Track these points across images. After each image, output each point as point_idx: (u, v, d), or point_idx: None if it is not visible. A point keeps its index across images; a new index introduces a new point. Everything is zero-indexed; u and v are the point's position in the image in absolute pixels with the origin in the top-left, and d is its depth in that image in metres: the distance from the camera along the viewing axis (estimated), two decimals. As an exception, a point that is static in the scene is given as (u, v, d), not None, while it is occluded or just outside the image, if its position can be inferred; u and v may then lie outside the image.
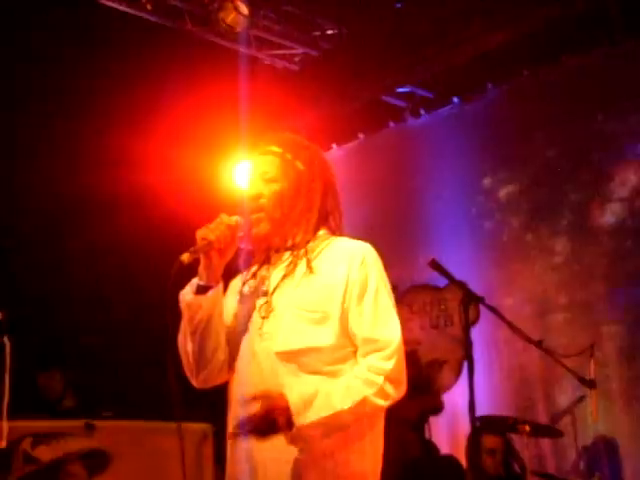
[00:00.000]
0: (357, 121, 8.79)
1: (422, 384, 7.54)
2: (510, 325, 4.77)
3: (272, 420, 2.64)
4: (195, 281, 2.92)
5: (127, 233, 7.46)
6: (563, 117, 7.31)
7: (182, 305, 2.93)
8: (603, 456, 6.60)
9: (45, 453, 4.79)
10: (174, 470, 4.82)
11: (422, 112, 8.57)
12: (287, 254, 2.99)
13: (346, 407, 2.70)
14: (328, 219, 3.04)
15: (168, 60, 7.56)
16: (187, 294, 2.91)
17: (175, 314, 2.93)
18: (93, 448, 4.87)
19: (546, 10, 6.73)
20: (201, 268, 2.88)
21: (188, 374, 3.04)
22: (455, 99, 8.29)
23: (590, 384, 5.20)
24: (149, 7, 7.48)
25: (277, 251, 3.02)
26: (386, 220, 8.53)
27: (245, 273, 3.07)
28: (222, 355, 2.98)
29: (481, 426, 5.89)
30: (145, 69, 7.53)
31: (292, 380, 2.76)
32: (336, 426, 2.73)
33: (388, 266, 8.45)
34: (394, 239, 8.38)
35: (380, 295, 2.90)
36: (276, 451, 2.76)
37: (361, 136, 9.02)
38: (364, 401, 2.73)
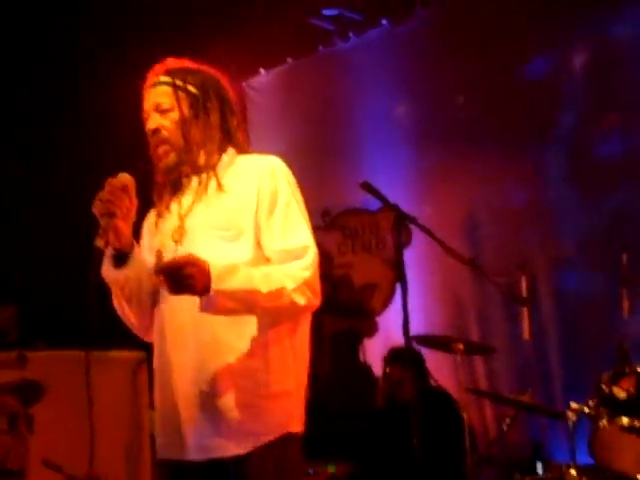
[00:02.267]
0: (285, 45, 8.66)
1: (355, 307, 7.61)
2: (442, 244, 4.80)
3: (190, 277, 2.60)
4: (110, 253, 2.88)
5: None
6: (492, 37, 7.26)
7: (108, 282, 2.92)
8: (535, 372, 6.73)
9: (-23, 386, 4.74)
10: (107, 399, 4.83)
11: (351, 35, 8.48)
12: (196, 178, 2.97)
13: (264, 290, 2.70)
14: (232, 137, 3.04)
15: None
16: (109, 271, 2.90)
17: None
18: (26, 379, 4.82)
19: None
20: (112, 240, 2.83)
21: (139, 334, 3.09)
22: (384, 21, 8.20)
23: (523, 301, 5.28)
24: None
25: (186, 177, 3.00)
26: (317, 144, 8.49)
27: (158, 206, 3.06)
28: None
29: (387, 359, 6.03)
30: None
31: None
32: (251, 303, 2.71)
33: (320, 190, 8.51)
34: (325, 163, 8.38)
35: (291, 207, 2.91)
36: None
37: (290, 60, 8.91)
38: (282, 291, 2.73)
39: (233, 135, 3.04)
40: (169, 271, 2.61)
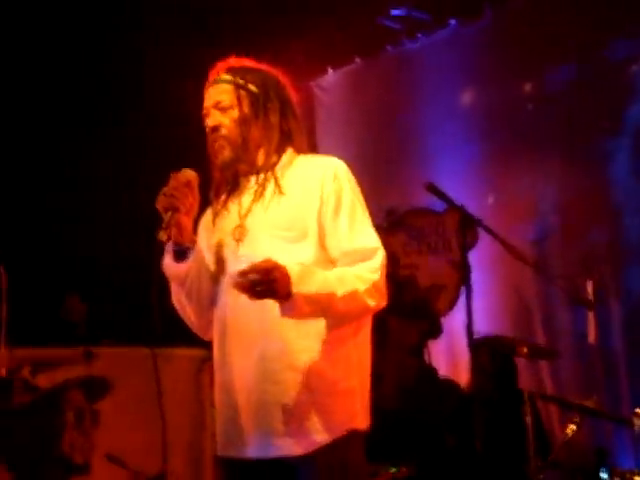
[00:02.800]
0: (353, 45, 8.67)
1: (421, 308, 7.56)
2: (507, 247, 4.77)
3: (272, 282, 2.59)
4: (171, 248, 2.92)
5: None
6: (562, 39, 7.19)
7: (169, 276, 2.95)
8: (601, 377, 6.64)
9: (45, 381, 4.83)
10: (171, 396, 4.89)
11: (419, 35, 8.45)
12: (254, 178, 2.98)
13: (339, 293, 2.71)
14: (292, 138, 3.04)
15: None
16: (170, 265, 2.93)
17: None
18: (92, 375, 4.90)
19: None
20: (175, 235, 2.87)
21: (199, 333, 3.11)
22: (452, 22, 8.16)
23: (588, 304, 5.20)
24: None
25: (244, 176, 3.01)
26: (383, 143, 8.48)
27: (215, 204, 3.07)
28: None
29: (480, 348, 5.90)
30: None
31: (274, 302, 2.74)
32: (328, 307, 2.73)
33: (386, 190, 8.52)
34: (391, 163, 8.36)
35: (356, 208, 2.92)
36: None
37: (357, 60, 8.91)
38: (355, 293, 2.74)
39: (293, 136, 3.05)
40: (257, 274, 2.59)
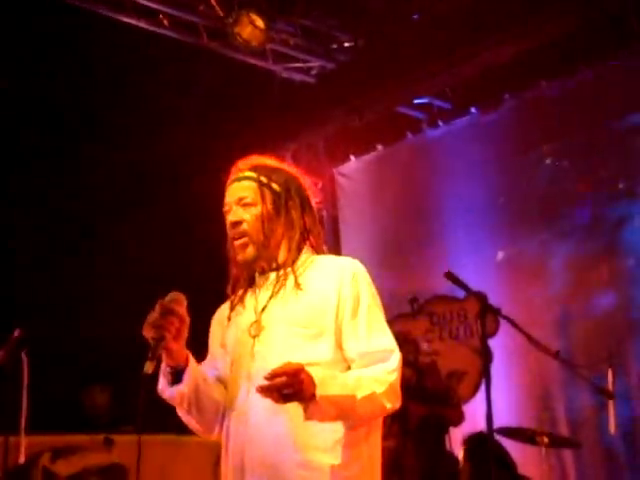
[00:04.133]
0: (375, 132, 8.79)
1: (442, 395, 7.50)
2: (527, 336, 4.76)
3: (299, 384, 2.59)
4: (165, 370, 2.89)
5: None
6: (581, 127, 7.26)
7: (165, 399, 2.93)
8: (624, 466, 6.56)
9: (64, 468, 4.81)
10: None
11: (440, 123, 8.55)
12: (273, 274, 3.00)
13: (358, 396, 2.71)
14: (309, 237, 3.07)
15: (186, 76, 7.62)
16: (165, 390, 2.91)
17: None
18: (111, 462, 4.88)
19: (562, 21, 6.73)
20: (165, 359, 2.85)
21: (205, 436, 3.06)
22: (473, 109, 8.26)
23: (609, 394, 5.17)
24: (166, 23, 7.55)
25: (262, 273, 3.03)
26: (404, 231, 8.53)
27: (232, 299, 3.07)
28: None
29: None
30: (163, 84, 7.58)
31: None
32: (348, 410, 2.72)
33: (408, 277, 8.50)
34: (413, 250, 8.39)
35: (373, 310, 2.92)
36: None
37: (379, 147, 9.01)
38: (373, 396, 2.74)
39: (310, 233, 3.07)
40: (284, 378, 2.58)
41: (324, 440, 2.79)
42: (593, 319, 7.00)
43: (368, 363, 2.83)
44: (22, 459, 4.03)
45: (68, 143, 7.52)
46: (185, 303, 2.86)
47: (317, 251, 3.07)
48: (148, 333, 2.78)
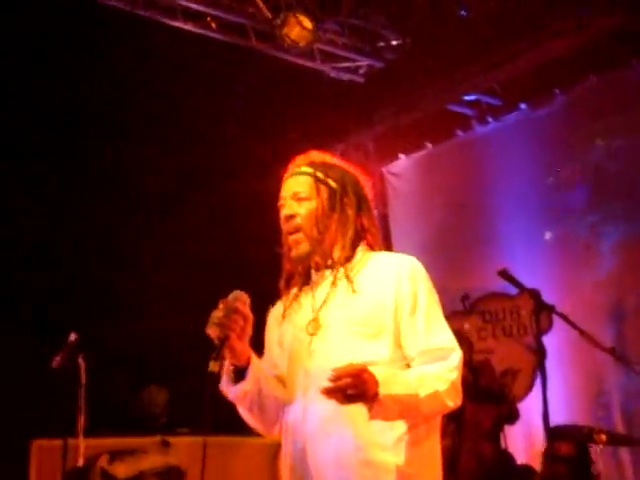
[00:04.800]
0: (424, 130, 8.77)
1: (496, 393, 7.46)
2: (582, 332, 4.73)
3: (362, 384, 2.59)
4: (228, 368, 2.91)
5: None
6: (632, 124, 7.18)
7: (229, 397, 2.96)
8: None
9: (121, 470, 4.85)
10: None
11: (489, 119, 8.50)
12: (327, 272, 2.99)
13: (422, 395, 2.71)
14: (365, 235, 3.05)
15: (234, 78, 7.67)
16: (228, 387, 2.93)
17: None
18: (168, 464, 4.91)
19: (611, 14, 6.66)
20: (229, 358, 2.87)
21: (265, 434, 3.10)
22: (522, 105, 8.20)
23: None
24: (214, 25, 7.59)
25: (317, 270, 3.02)
26: (457, 228, 8.50)
27: (286, 297, 3.08)
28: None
29: (556, 434, 5.78)
30: (213, 86, 7.64)
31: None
32: (411, 408, 2.72)
33: (460, 275, 8.47)
34: (465, 247, 8.36)
35: (432, 308, 2.91)
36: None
37: (429, 145, 8.99)
38: (436, 394, 2.74)
39: (367, 232, 3.05)
40: (348, 378, 2.59)
41: (386, 438, 2.80)
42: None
43: (428, 361, 2.82)
44: (81, 461, 4.08)
45: (117, 143, 7.59)
46: (248, 301, 2.88)
47: (373, 249, 3.05)
48: (213, 332, 2.79)
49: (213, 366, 2.72)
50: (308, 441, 2.85)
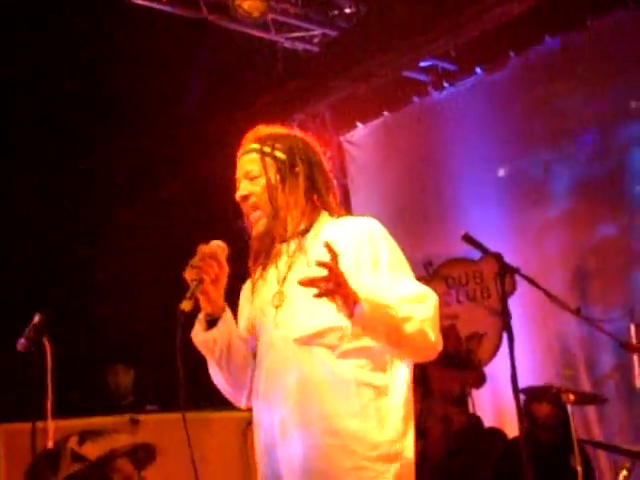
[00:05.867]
0: (381, 98, 8.75)
1: (463, 358, 7.51)
2: (547, 294, 4.73)
3: (342, 278, 2.55)
4: (201, 317, 2.93)
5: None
6: (588, 82, 7.21)
7: (198, 345, 2.95)
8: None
9: (92, 450, 4.83)
10: (218, 459, 4.88)
11: (445, 85, 8.50)
12: (291, 243, 2.97)
13: (400, 315, 2.65)
14: (323, 200, 3.03)
15: (187, 52, 7.59)
16: (198, 334, 2.94)
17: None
18: (139, 443, 4.89)
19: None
20: (203, 305, 2.89)
21: (233, 401, 3.08)
22: (478, 70, 8.21)
23: (632, 349, 5.16)
24: (164, -1, 7.49)
25: (280, 243, 2.99)
26: (415, 196, 8.52)
27: (253, 273, 3.06)
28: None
29: (531, 396, 5.81)
30: (165, 60, 7.55)
31: (312, 365, 2.77)
32: (393, 325, 2.65)
33: (422, 241, 8.45)
34: (425, 214, 8.38)
35: (394, 262, 2.86)
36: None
37: (386, 113, 8.97)
38: (414, 320, 2.67)
39: (323, 198, 3.03)
40: (330, 271, 2.54)
41: (353, 406, 2.77)
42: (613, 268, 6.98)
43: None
44: (51, 444, 4.06)
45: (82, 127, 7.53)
46: (226, 252, 2.91)
47: (332, 213, 3.03)
48: (188, 275, 2.83)
49: (185, 305, 2.76)
50: (274, 412, 2.84)
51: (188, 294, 2.78)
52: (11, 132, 7.31)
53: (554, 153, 7.53)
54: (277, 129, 3.14)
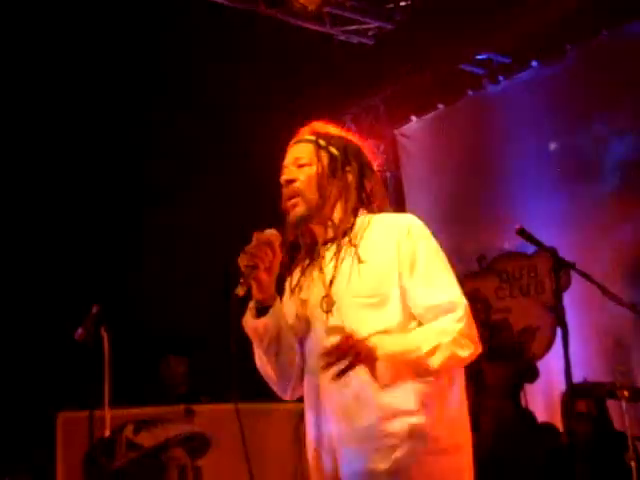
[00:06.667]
0: (435, 91, 8.72)
1: (515, 352, 7.49)
2: (603, 289, 4.69)
3: (351, 347, 2.63)
4: (252, 305, 2.93)
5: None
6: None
7: (248, 332, 2.95)
8: None
9: (147, 439, 4.88)
10: (271, 450, 4.92)
11: (500, 78, 8.45)
12: (334, 245, 2.98)
13: (424, 349, 2.71)
14: (371, 201, 3.05)
15: (243, 44, 7.62)
16: (249, 320, 2.94)
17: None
18: (193, 432, 4.94)
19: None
20: (255, 292, 2.89)
21: (279, 392, 3.08)
22: (534, 63, 8.15)
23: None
24: (223, -8, 7.54)
25: (324, 244, 3.01)
26: (469, 189, 8.48)
27: (296, 271, 3.08)
28: (301, 362, 3.01)
29: (573, 392, 5.78)
30: (222, 53, 7.60)
31: (362, 371, 2.75)
32: (419, 365, 2.72)
33: (476, 235, 8.39)
34: (478, 208, 8.34)
35: (433, 263, 2.90)
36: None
37: (440, 106, 8.95)
38: (440, 347, 2.72)
39: (370, 199, 3.05)
40: (337, 351, 2.63)
41: (409, 403, 2.78)
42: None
43: (434, 316, 2.81)
44: (107, 432, 4.12)
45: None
46: (280, 240, 2.91)
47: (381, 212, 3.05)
48: (242, 261, 2.83)
49: (239, 290, 2.77)
50: (328, 413, 2.86)
51: (242, 280, 2.79)
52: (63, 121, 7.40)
53: (615, 141, 7.45)
54: (332, 128, 3.15)
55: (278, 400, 3.18)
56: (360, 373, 2.71)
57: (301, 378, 3.01)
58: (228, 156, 7.86)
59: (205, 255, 7.44)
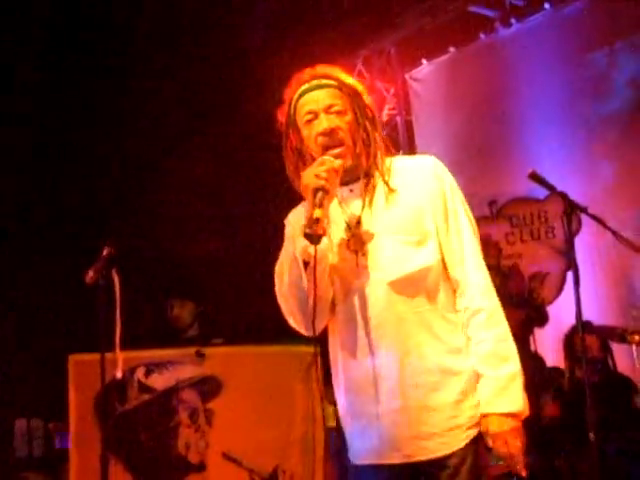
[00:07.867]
0: (447, 34, 8.62)
1: (526, 296, 7.50)
2: (615, 233, 4.68)
3: (513, 447, 2.82)
4: (309, 231, 2.74)
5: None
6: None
7: (303, 257, 2.81)
8: None
9: (158, 381, 4.91)
10: (283, 392, 4.94)
11: (513, 21, 8.36)
12: (359, 183, 2.94)
13: (512, 369, 2.85)
14: (387, 146, 3.02)
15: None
16: (305, 246, 2.78)
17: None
18: (205, 375, 4.96)
19: None
20: (319, 217, 2.72)
21: (301, 328, 2.97)
22: (547, 5, 8.05)
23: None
24: None
25: (347, 183, 2.94)
26: (480, 133, 8.43)
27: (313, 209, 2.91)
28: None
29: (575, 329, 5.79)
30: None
31: (405, 307, 2.81)
32: (508, 380, 2.85)
33: (486, 180, 8.35)
34: (490, 152, 8.30)
35: (461, 219, 2.93)
36: None
37: (451, 49, 8.86)
38: (509, 358, 2.86)
39: (386, 143, 3.04)
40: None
41: (454, 344, 2.86)
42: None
43: (463, 293, 2.87)
44: (119, 374, 4.13)
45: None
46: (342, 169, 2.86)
47: (389, 154, 3.02)
48: (314, 184, 2.75)
49: (317, 213, 2.69)
50: (374, 350, 2.86)
51: (316, 202, 2.71)
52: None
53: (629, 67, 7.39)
54: (342, 73, 3.04)
55: (290, 342, 3.16)
56: (400, 306, 2.81)
57: (327, 318, 2.96)
58: (239, 101, 7.82)
59: (216, 198, 7.45)
